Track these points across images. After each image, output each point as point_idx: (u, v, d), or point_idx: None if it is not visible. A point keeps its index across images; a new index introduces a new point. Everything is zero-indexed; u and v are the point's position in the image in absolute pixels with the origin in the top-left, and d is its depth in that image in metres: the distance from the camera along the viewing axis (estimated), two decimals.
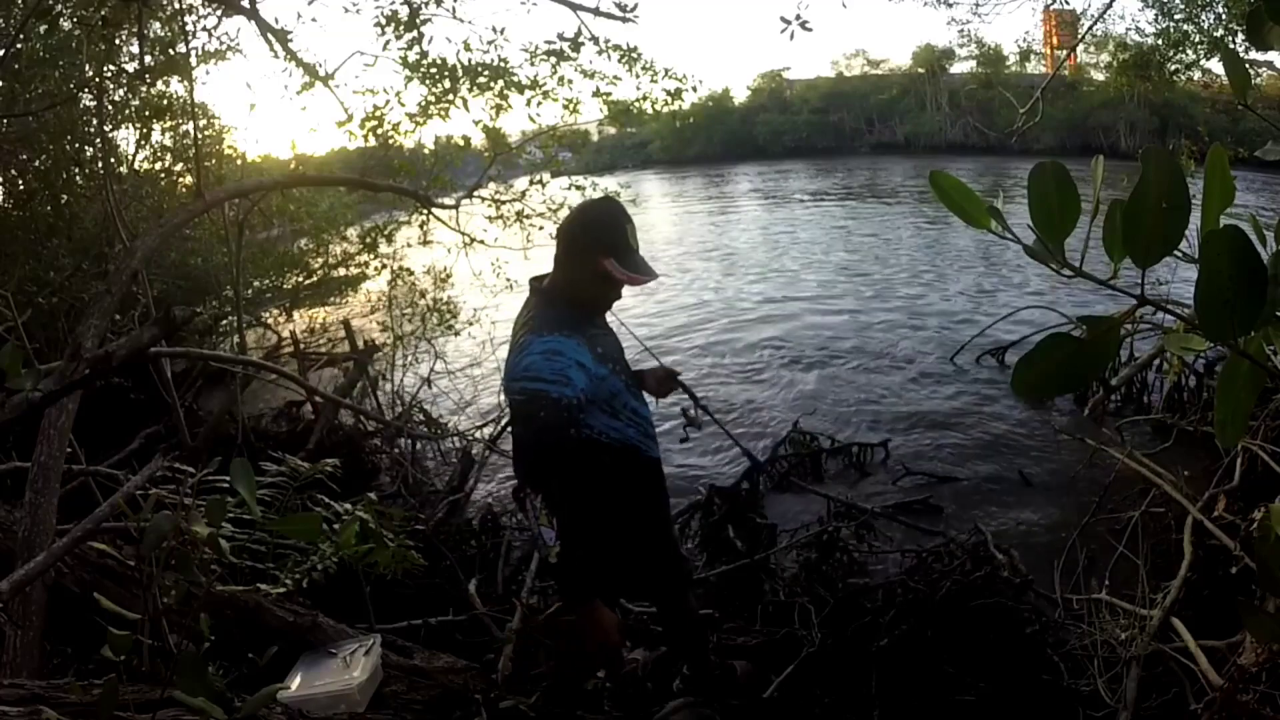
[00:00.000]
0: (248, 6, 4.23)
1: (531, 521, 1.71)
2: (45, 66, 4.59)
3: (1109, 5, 8.17)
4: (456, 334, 6.36)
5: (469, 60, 4.92)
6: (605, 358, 1.79)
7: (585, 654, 2.21)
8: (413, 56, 4.80)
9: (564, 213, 5.87)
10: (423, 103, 5.07)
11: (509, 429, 1.81)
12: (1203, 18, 7.91)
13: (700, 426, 2.34)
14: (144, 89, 5.27)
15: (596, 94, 5.36)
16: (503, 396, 1.78)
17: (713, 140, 37.32)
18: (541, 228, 5.95)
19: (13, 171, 5.48)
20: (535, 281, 1.90)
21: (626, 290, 1.82)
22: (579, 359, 1.69)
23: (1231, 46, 6.75)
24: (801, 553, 3.45)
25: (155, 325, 1.85)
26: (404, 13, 4.68)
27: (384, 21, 4.70)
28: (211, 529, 1.21)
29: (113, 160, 5.58)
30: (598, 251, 1.73)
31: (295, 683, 2.04)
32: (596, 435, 1.80)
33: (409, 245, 6.54)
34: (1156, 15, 8.42)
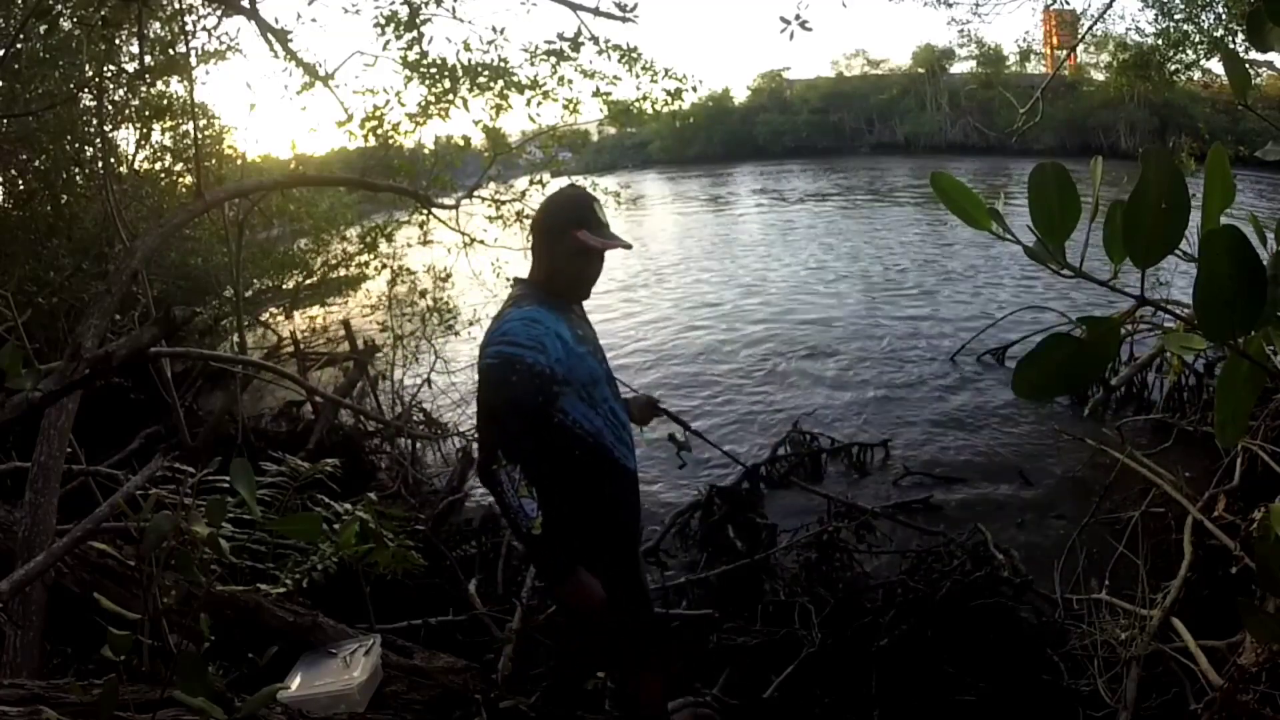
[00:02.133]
0: (248, 6, 4.24)
1: (509, 494, 1.59)
2: (45, 66, 4.60)
3: (1109, 5, 8.17)
4: (456, 334, 6.36)
5: (469, 60, 4.93)
6: (585, 340, 1.78)
7: (582, 636, 2.06)
8: (413, 56, 4.81)
9: None
10: (423, 103, 5.07)
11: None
12: (1203, 18, 7.91)
13: (691, 448, 2.32)
14: (144, 89, 5.28)
15: (596, 94, 5.37)
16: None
17: (713, 140, 37.33)
18: None
19: (13, 171, 5.49)
20: (514, 280, 1.91)
21: (616, 283, 1.84)
22: (557, 330, 1.68)
23: (1231, 46, 6.76)
24: (801, 553, 3.45)
25: (155, 325, 1.85)
26: (404, 13, 4.68)
27: (384, 21, 4.71)
28: (211, 529, 1.21)
29: (113, 160, 5.58)
30: (569, 226, 1.75)
31: (295, 683, 2.04)
32: (570, 424, 1.72)
33: (409, 245, 6.54)
34: (1156, 15, 8.42)
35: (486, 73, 4.98)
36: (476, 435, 1.76)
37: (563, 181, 6.03)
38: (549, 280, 1.79)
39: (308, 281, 8.30)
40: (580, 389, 1.72)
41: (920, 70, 34.93)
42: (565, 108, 5.45)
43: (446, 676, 2.34)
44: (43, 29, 4.32)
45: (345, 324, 6.78)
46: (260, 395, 6.77)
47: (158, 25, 4.90)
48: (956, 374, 6.45)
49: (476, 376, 1.69)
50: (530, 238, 1.85)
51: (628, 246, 1.79)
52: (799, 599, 3.00)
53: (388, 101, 5.06)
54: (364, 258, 7.46)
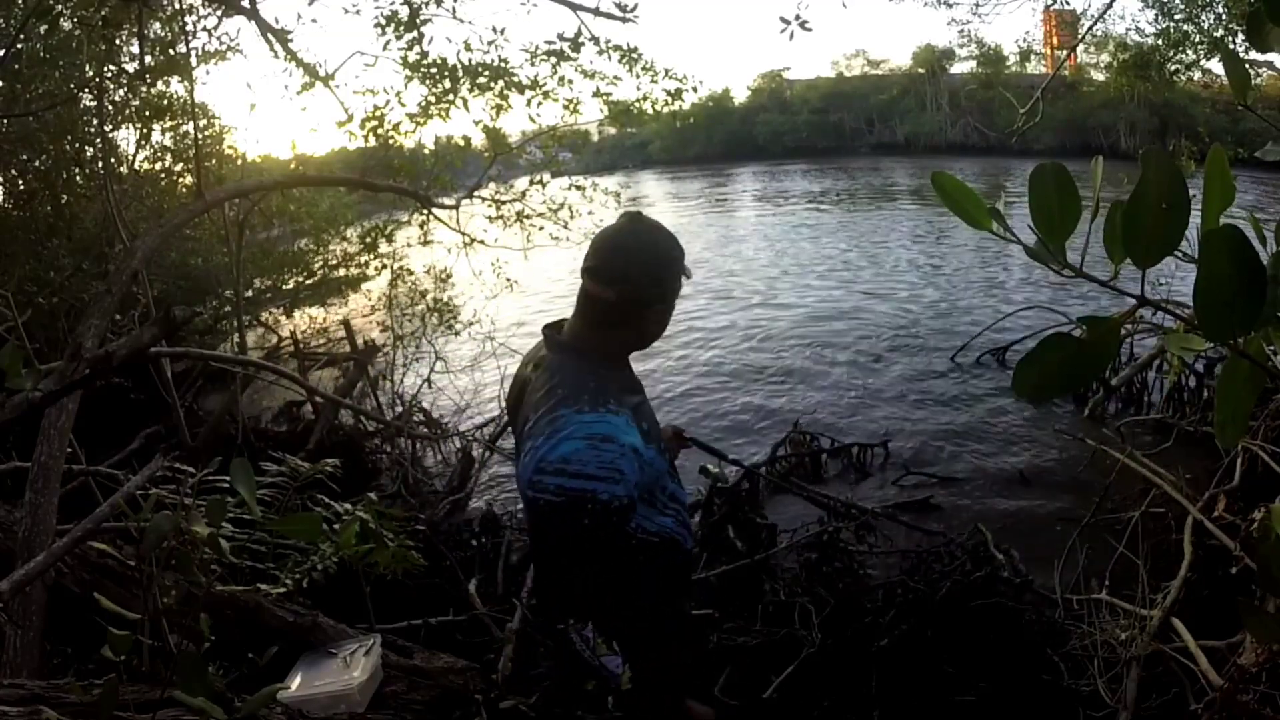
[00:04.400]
0: (248, 6, 4.23)
1: (587, 656, 1.29)
2: (45, 66, 4.60)
3: (1109, 5, 8.17)
4: (457, 334, 6.37)
5: (469, 60, 4.92)
6: (651, 435, 1.39)
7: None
8: (413, 57, 4.80)
9: (564, 213, 5.94)
10: (423, 103, 5.07)
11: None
12: (1203, 18, 7.91)
13: (726, 479, 2.22)
14: (144, 89, 5.28)
15: (597, 94, 5.36)
16: (523, 484, 1.29)
17: (713, 140, 37.32)
18: (541, 228, 5.95)
19: (13, 171, 5.49)
20: (552, 331, 1.45)
21: None
22: (632, 443, 1.29)
23: (1231, 47, 6.76)
24: (801, 553, 3.45)
25: (155, 325, 1.85)
26: (404, 13, 4.68)
27: (384, 22, 4.70)
28: (211, 529, 1.21)
29: (113, 160, 5.59)
30: (667, 299, 1.40)
31: (295, 683, 2.04)
32: (635, 531, 1.40)
33: (409, 245, 6.55)
34: (1156, 15, 8.43)
35: (487, 73, 4.98)
36: (533, 576, 1.40)
37: (563, 182, 6.12)
38: (615, 348, 1.40)
39: (308, 281, 8.31)
40: (645, 492, 1.40)
41: (920, 70, 34.92)
42: (565, 108, 5.45)
43: (446, 676, 2.34)
44: (43, 29, 4.32)
45: (345, 324, 6.78)
46: (260, 395, 6.77)
47: (158, 25, 4.91)
48: (957, 374, 6.45)
49: (526, 501, 1.28)
50: (599, 286, 1.35)
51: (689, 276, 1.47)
52: (799, 599, 3.00)
53: (388, 102, 5.06)
54: (364, 258, 7.48)
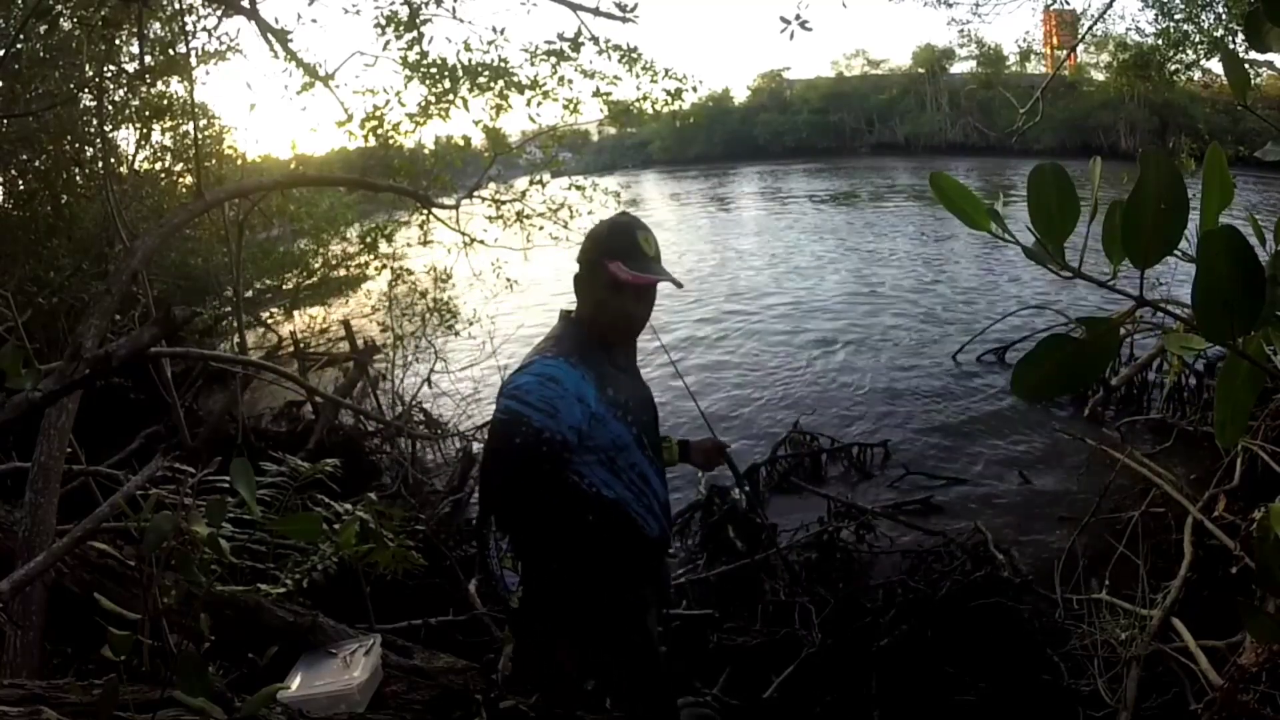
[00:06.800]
0: (248, 6, 4.23)
1: (493, 561, 1.52)
2: (45, 66, 4.60)
3: (1109, 5, 8.17)
4: (456, 334, 6.36)
5: (469, 60, 4.92)
6: (614, 402, 1.57)
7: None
8: (413, 56, 4.80)
9: (564, 213, 5.93)
10: (423, 103, 5.07)
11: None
12: (1203, 18, 7.91)
13: (744, 506, 2.26)
14: (144, 89, 5.28)
15: (596, 94, 5.35)
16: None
17: (713, 140, 37.35)
18: (541, 228, 5.95)
19: (13, 171, 5.49)
20: (565, 312, 1.71)
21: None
22: (579, 393, 1.50)
23: (1231, 46, 6.75)
24: (802, 553, 3.45)
25: (155, 325, 1.85)
26: (404, 13, 4.68)
27: (384, 22, 4.70)
28: (211, 529, 1.21)
29: (113, 160, 5.59)
30: (604, 257, 1.57)
31: (295, 683, 2.04)
32: (586, 488, 1.58)
33: (409, 245, 6.55)
34: (1156, 15, 8.43)
35: (486, 73, 4.97)
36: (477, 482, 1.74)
37: (563, 182, 6.11)
38: (590, 321, 1.62)
39: (308, 281, 8.32)
40: (600, 453, 1.57)
41: (920, 70, 34.93)
42: (565, 108, 5.45)
43: (446, 676, 2.34)
44: (43, 29, 4.33)
45: (345, 324, 6.78)
46: (260, 395, 6.77)
47: (158, 25, 4.91)
48: (957, 374, 6.45)
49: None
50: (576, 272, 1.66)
51: (675, 283, 1.61)
52: (799, 599, 3.00)
53: (388, 101, 5.05)
54: (364, 258, 7.47)
